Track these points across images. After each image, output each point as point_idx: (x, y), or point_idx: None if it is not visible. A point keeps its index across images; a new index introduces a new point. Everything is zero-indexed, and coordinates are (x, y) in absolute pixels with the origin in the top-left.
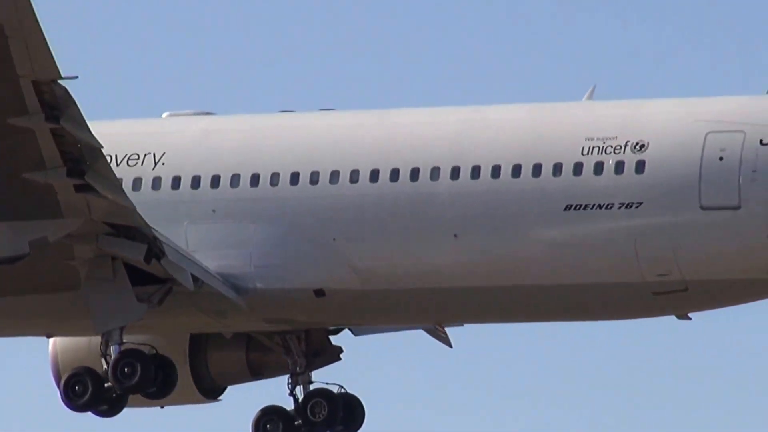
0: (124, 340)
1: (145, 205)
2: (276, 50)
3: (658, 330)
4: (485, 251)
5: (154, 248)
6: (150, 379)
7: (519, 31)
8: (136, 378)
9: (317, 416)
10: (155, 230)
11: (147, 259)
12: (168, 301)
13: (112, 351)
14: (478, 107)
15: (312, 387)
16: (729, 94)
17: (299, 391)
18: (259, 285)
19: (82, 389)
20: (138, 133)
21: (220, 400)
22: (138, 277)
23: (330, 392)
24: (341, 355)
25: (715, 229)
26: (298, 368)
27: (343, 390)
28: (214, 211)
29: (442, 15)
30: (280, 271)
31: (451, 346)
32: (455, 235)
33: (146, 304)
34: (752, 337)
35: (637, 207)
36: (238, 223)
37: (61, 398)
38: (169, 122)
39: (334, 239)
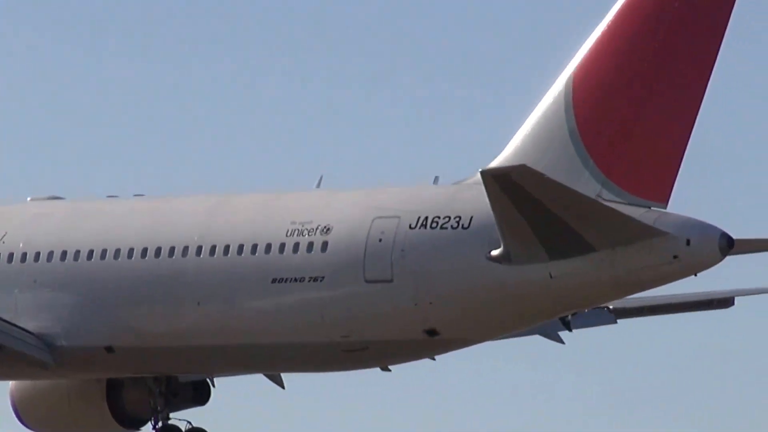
0: None
1: None
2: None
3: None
4: (219, 316)
5: None
6: None
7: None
8: None
9: None
10: None
11: None
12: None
13: None
14: (226, 195)
15: (167, 423)
16: (401, 184)
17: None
18: (64, 343)
19: None
20: None
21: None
22: None
23: (177, 428)
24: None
25: (375, 298)
26: (158, 407)
27: (190, 425)
28: (35, 281)
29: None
30: (79, 330)
31: (283, 387)
32: (198, 303)
33: None
34: None
35: (321, 280)
36: (51, 290)
37: None
38: (16, 207)
39: (116, 305)
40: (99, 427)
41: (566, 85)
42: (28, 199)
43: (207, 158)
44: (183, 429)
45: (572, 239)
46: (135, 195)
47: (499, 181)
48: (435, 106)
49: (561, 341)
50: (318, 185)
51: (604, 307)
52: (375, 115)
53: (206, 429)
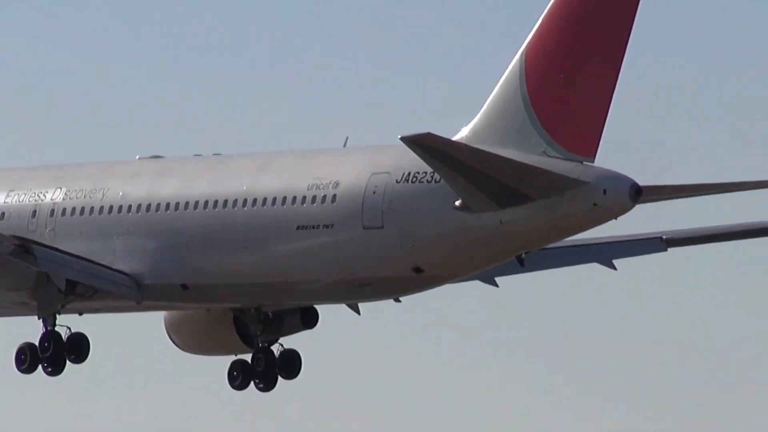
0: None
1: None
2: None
3: None
4: (259, 258)
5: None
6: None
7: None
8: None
9: (259, 366)
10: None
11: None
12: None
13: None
14: (269, 155)
15: (264, 345)
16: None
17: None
18: (149, 281)
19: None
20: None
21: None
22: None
23: (270, 349)
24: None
25: (371, 242)
26: (258, 332)
27: (282, 347)
28: (128, 229)
29: None
30: (160, 271)
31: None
32: (245, 247)
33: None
34: None
35: (332, 227)
36: (140, 238)
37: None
38: (119, 164)
39: (188, 249)
40: (230, 345)
41: (520, 58)
42: (137, 157)
43: (258, 120)
44: (276, 351)
45: (509, 191)
46: (214, 154)
47: (417, 146)
48: (431, 75)
49: (496, 285)
50: (344, 145)
51: (656, 237)
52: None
53: (297, 350)
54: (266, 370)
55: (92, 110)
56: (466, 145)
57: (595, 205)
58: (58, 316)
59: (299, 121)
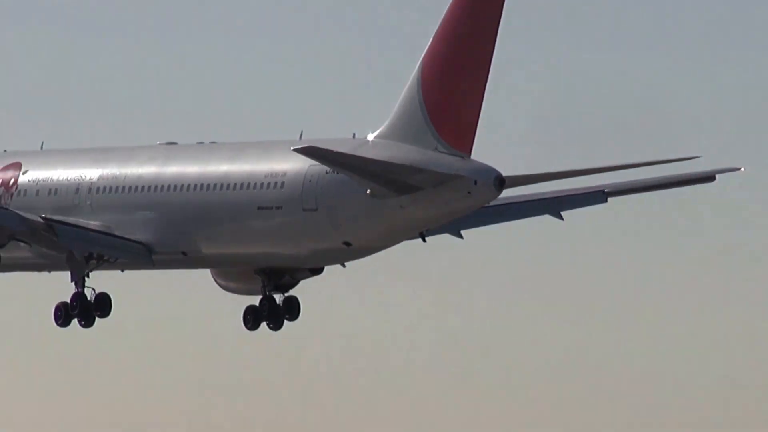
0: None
1: None
2: None
3: None
4: (230, 232)
5: None
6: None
7: None
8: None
9: (264, 310)
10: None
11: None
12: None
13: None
14: (242, 144)
15: (270, 294)
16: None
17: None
18: (158, 249)
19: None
20: None
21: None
22: None
23: (272, 297)
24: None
25: (310, 221)
26: (264, 282)
27: (283, 296)
28: (143, 205)
29: None
30: (166, 241)
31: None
32: (221, 223)
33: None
34: None
35: (281, 209)
36: (152, 213)
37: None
38: (137, 149)
39: (185, 223)
40: (255, 289)
41: (418, 67)
42: (157, 143)
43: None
44: (278, 301)
45: (400, 183)
46: (198, 142)
47: (306, 155)
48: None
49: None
50: (300, 138)
51: (599, 190)
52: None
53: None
54: (271, 313)
55: (126, 99)
56: (343, 153)
57: (468, 193)
58: (87, 278)
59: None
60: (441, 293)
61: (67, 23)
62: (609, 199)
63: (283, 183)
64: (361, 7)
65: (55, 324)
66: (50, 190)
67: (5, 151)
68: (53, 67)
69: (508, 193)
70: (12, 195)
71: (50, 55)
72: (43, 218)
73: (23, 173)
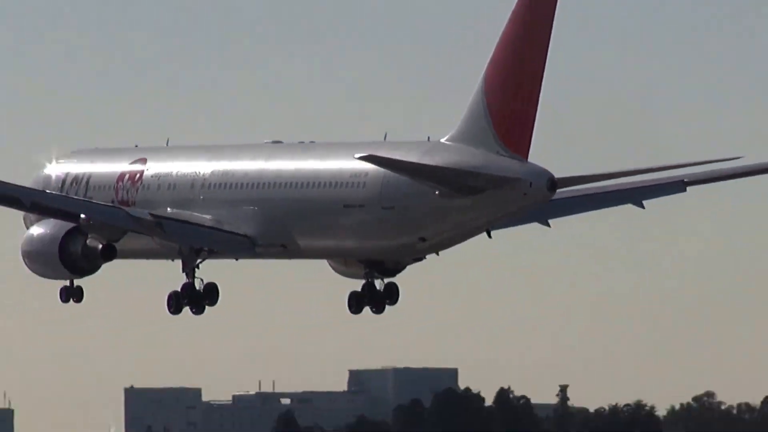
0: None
1: None
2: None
3: None
4: (321, 228)
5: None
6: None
7: None
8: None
9: (365, 296)
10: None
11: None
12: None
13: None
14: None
15: (370, 281)
16: None
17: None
18: (259, 242)
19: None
20: None
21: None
22: None
23: (372, 283)
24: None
25: (386, 219)
26: (366, 269)
27: (383, 281)
28: (247, 201)
29: None
30: (266, 234)
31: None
32: (305, 219)
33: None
34: None
35: (362, 207)
36: (254, 208)
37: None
38: (244, 146)
39: (284, 218)
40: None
41: (483, 75)
42: (264, 141)
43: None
44: (378, 287)
45: (463, 186)
46: (299, 142)
47: (368, 161)
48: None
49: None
50: (384, 139)
51: (678, 180)
52: None
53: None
54: (372, 298)
55: (241, 100)
56: (398, 160)
57: (525, 194)
58: (197, 269)
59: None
60: (534, 279)
61: (190, 30)
62: (687, 188)
63: (365, 183)
64: (436, 22)
65: (168, 311)
66: (170, 185)
67: (137, 146)
68: (181, 71)
69: (590, 186)
70: (137, 189)
71: (180, 61)
72: (151, 215)
73: (146, 169)
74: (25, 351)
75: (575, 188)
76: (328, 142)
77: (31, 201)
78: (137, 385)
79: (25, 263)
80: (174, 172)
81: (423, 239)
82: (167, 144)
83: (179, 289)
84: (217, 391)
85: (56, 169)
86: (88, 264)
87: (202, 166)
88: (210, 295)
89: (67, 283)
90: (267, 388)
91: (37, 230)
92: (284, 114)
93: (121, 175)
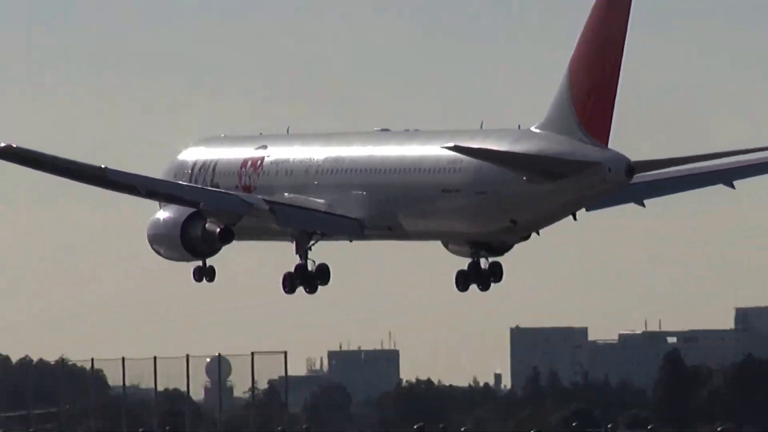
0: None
1: None
2: None
3: None
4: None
5: None
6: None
7: None
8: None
9: (471, 275)
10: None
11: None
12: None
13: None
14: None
15: (476, 259)
16: None
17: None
18: (367, 225)
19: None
20: None
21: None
22: None
23: (478, 262)
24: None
25: (480, 203)
26: (472, 251)
27: (488, 260)
28: (356, 186)
29: None
30: (372, 218)
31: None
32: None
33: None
34: None
35: (459, 191)
36: (361, 192)
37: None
38: (348, 134)
39: (387, 203)
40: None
41: (568, 67)
42: (373, 129)
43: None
44: (483, 266)
45: (548, 171)
46: (405, 129)
47: (455, 150)
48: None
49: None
50: (481, 127)
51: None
52: None
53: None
54: (478, 276)
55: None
56: (481, 149)
57: (604, 179)
58: (310, 251)
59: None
60: (629, 259)
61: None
62: None
63: (460, 169)
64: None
65: (282, 291)
66: (287, 171)
67: (261, 134)
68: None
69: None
70: (258, 175)
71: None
72: (265, 200)
73: (267, 156)
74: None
75: (666, 170)
76: (430, 130)
77: (147, 189)
78: (523, 325)
79: (151, 246)
80: (291, 159)
81: (514, 222)
82: (287, 132)
83: (293, 270)
84: (603, 330)
85: (188, 155)
86: (207, 247)
87: (316, 153)
88: (322, 275)
89: (200, 263)
90: (653, 327)
91: (162, 215)
92: (391, 104)
93: (245, 162)
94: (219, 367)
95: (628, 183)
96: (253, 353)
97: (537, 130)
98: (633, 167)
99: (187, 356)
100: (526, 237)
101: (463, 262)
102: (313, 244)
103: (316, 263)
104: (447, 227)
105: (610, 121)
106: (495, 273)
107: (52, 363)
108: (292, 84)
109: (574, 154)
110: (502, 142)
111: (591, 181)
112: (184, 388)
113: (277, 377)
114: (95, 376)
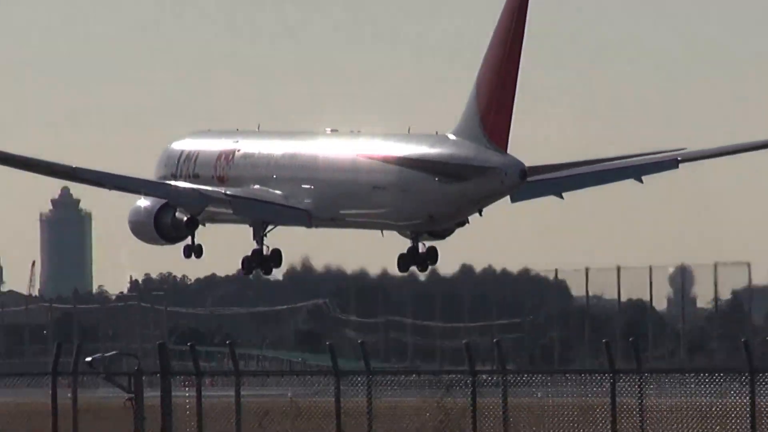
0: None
1: None
2: None
3: None
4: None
5: None
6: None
7: None
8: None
9: (410, 256)
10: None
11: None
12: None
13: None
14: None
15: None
16: None
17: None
18: (314, 214)
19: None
20: None
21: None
22: None
23: (416, 247)
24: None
25: (405, 199)
26: (413, 236)
27: (425, 244)
28: (304, 179)
29: None
30: (317, 208)
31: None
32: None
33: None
34: None
35: (385, 189)
36: (309, 186)
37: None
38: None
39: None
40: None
41: (476, 81)
42: (327, 130)
43: None
44: (421, 247)
45: (456, 174)
46: (350, 131)
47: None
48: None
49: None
50: (408, 132)
51: (672, 159)
52: None
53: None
54: (416, 259)
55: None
56: (391, 156)
57: (501, 182)
58: (265, 237)
59: None
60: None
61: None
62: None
63: (388, 169)
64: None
65: (242, 272)
66: (253, 164)
67: (237, 129)
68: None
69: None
70: (230, 167)
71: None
72: (225, 193)
73: (238, 150)
74: None
75: (582, 168)
76: (370, 132)
77: (114, 184)
78: None
79: (131, 230)
80: (257, 153)
81: (431, 216)
82: (258, 129)
83: (250, 254)
84: None
85: (177, 145)
86: (177, 233)
87: (277, 149)
88: (275, 258)
89: (189, 241)
90: None
91: (142, 203)
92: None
93: (220, 155)
94: (682, 277)
95: (522, 185)
96: (716, 263)
97: (452, 136)
98: (526, 172)
99: (650, 267)
100: (462, 223)
101: (405, 246)
102: (268, 231)
103: (270, 248)
104: (380, 218)
105: (509, 129)
106: (431, 256)
107: (515, 273)
108: (292, 84)
109: (476, 159)
110: (420, 146)
111: (490, 183)
112: (647, 298)
113: (741, 288)
114: (559, 286)
